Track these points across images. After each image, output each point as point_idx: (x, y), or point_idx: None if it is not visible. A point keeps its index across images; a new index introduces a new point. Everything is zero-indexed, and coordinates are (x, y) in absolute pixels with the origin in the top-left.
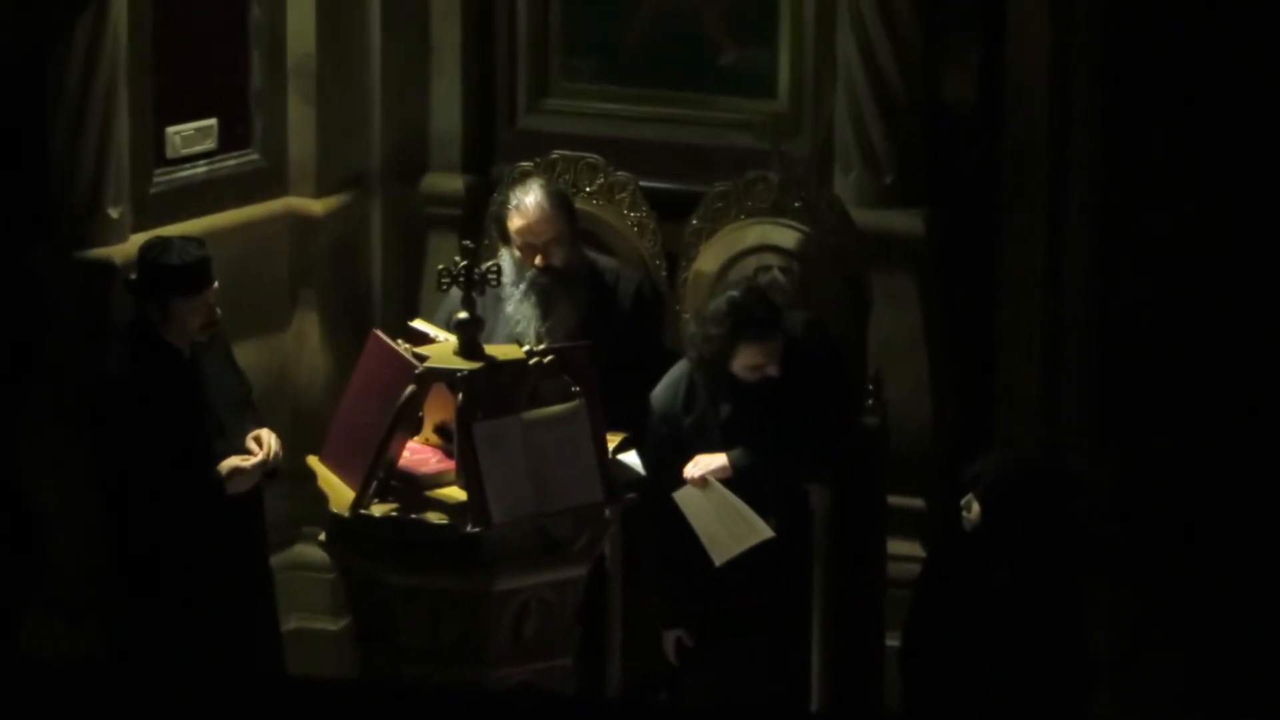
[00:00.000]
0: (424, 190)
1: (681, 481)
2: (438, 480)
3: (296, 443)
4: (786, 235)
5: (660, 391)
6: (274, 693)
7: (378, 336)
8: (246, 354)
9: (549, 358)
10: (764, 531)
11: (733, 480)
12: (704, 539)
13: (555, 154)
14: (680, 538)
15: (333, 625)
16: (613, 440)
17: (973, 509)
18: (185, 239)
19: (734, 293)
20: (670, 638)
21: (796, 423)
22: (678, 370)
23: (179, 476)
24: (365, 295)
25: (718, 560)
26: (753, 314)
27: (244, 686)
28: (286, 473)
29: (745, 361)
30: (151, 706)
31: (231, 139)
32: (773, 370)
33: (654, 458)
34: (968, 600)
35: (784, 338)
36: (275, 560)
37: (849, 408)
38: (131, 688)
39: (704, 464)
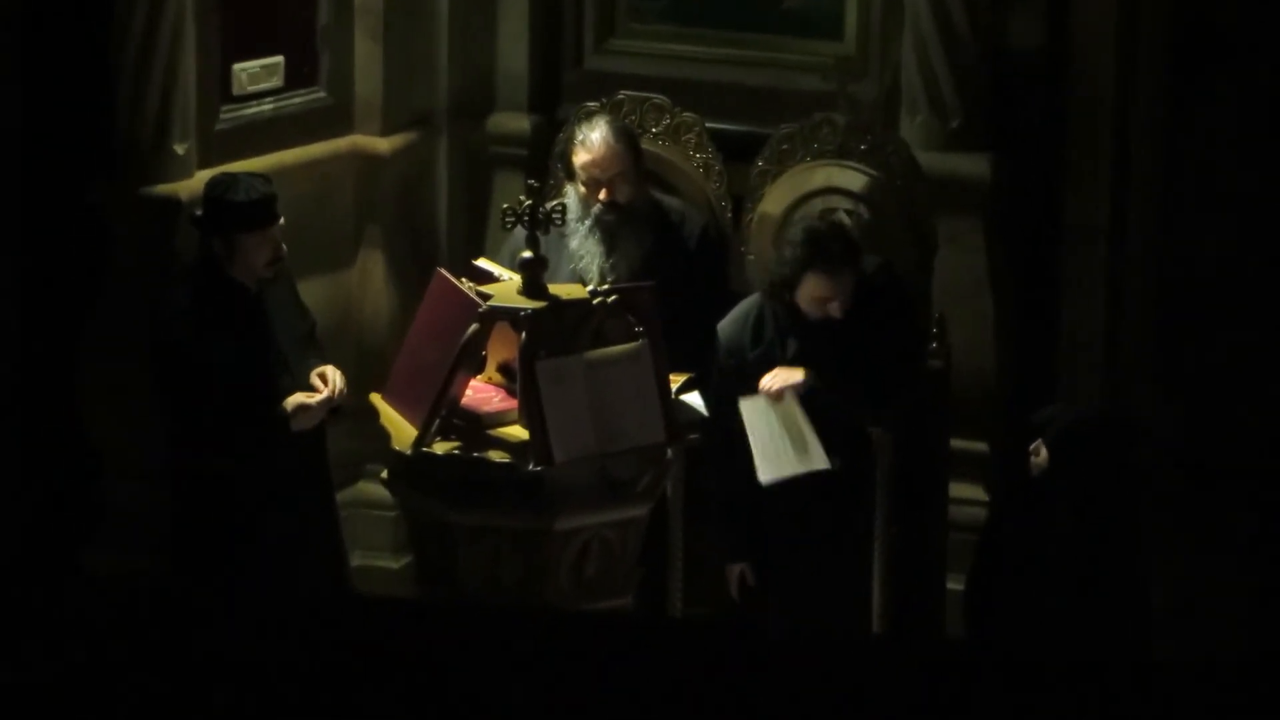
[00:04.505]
0: (490, 130)
1: (739, 419)
2: (500, 419)
3: (360, 380)
4: (852, 178)
5: (728, 324)
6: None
7: (442, 275)
8: (311, 291)
9: (613, 298)
10: (821, 462)
11: (804, 401)
12: (757, 452)
13: (621, 94)
14: (743, 471)
15: (394, 563)
16: (675, 381)
17: (1041, 454)
18: (252, 175)
19: (816, 222)
20: (734, 572)
21: (863, 365)
22: (747, 303)
23: (244, 413)
24: (430, 233)
25: (763, 477)
26: (828, 245)
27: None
28: (350, 410)
29: (810, 292)
30: (220, 621)
31: (298, 76)
32: (835, 309)
33: (717, 391)
34: (1033, 546)
35: (854, 277)
36: (338, 498)
37: (918, 353)
38: (201, 601)
39: (784, 377)
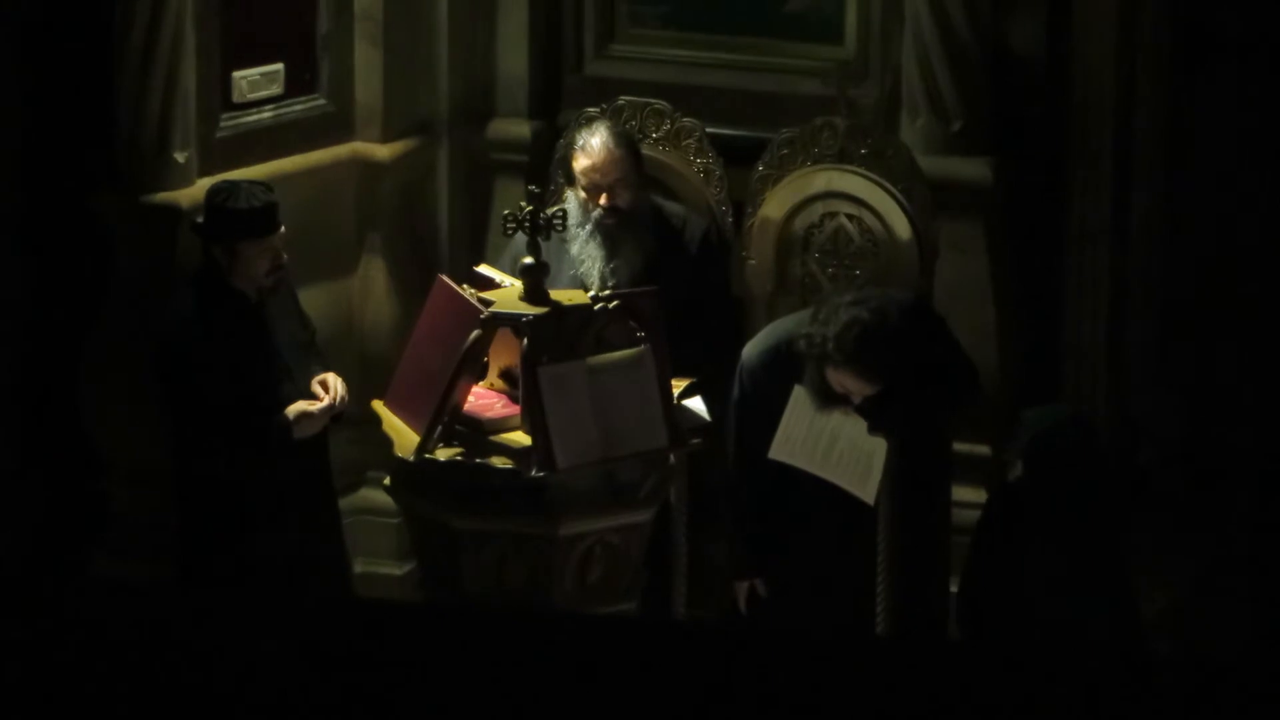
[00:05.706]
0: (490, 136)
1: (757, 441)
2: (503, 425)
3: (362, 387)
4: (853, 182)
5: (756, 353)
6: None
7: (443, 281)
8: (312, 299)
9: (615, 303)
10: (867, 494)
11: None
12: (782, 431)
13: (622, 100)
14: (753, 488)
15: (397, 570)
16: (678, 386)
17: (1016, 461)
18: (253, 183)
19: (882, 325)
20: (742, 587)
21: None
22: (777, 332)
23: (246, 420)
24: (431, 240)
25: (773, 454)
26: (877, 355)
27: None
28: (352, 417)
29: (840, 381)
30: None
31: (298, 84)
32: (853, 399)
33: (737, 412)
34: (1015, 552)
35: (886, 388)
36: (340, 505)
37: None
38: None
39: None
